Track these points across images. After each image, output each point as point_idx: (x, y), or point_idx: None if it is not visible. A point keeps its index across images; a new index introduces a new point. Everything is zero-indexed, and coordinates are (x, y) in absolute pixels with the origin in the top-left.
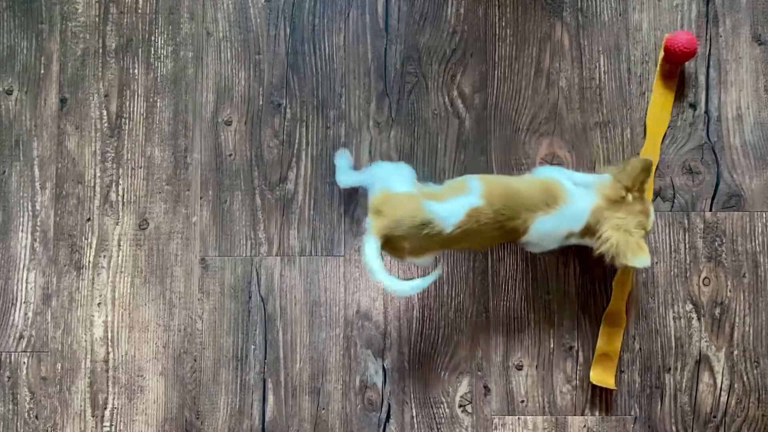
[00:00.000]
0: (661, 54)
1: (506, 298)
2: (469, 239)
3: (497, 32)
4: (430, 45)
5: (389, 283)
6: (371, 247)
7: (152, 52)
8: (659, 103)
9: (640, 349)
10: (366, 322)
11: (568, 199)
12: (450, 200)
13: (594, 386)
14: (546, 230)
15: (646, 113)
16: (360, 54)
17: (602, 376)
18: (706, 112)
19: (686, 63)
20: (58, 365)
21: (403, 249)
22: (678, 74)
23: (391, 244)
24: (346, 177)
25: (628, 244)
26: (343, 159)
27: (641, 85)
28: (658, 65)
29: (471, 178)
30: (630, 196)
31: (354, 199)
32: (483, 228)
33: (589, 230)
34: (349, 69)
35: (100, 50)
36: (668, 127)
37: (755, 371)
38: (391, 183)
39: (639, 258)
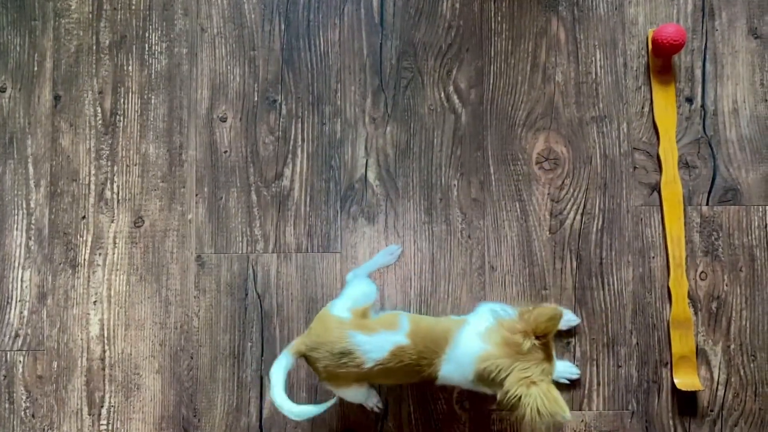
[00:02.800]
0: (650, 48)
1: (503, 294)
2: (386, 376)
3: (493, 27)
4: (426, 40)
5: (280, 403)
6: (280, 361)
7: (146, 48)
8: (661, 98)
9: (638, 343)
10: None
11: (453, 343)
12: (376, 335)
13: (590, 381)
14: (448, 374)
15: (651, 112)
16: (355, 49)
17: (687, 379)
18: (703, 106)
19: (681, 56)
20: (54, 364)
21: (319, 372)
22: (671, 67)
23: (310, 362)
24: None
25: (544, 398)
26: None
27: (637, 80)
28: (650, 62)
29: (402, 316)
30: (527, 343)
31: (350, 196)
32: (403, 366)
33: (481, 378)
34: (344, 65)
35: (94, 47)
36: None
37: (752, 365)
38: (337, 302)
39: (559, 413)
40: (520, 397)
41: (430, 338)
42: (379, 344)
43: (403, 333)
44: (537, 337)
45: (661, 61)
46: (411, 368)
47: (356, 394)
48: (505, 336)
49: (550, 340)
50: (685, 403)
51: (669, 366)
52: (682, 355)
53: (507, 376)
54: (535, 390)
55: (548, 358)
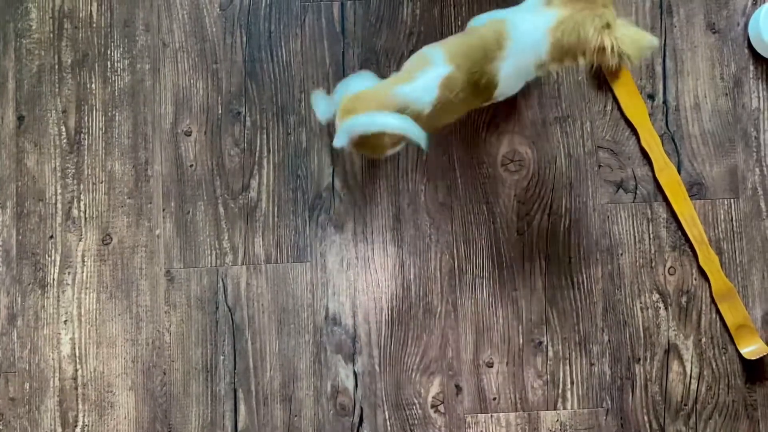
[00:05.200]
0: None
1: (474, 297)
2: (446, 113)
3: (453, 31)
4: (388, 47)
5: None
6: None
7: (109, 65)
8: (624, 94)
9: (609, 341)
10: (335, 327)
11: (510, 28)
12: (418, 78)
13: (563, 381)
14: (509, 73)
15: (615, 110)
16: (318, 59)
17: (753, 346)
18: (665, 102)
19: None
20: (26, 385)
21: (384, 144)
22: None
23: (370, 142)
24: (324, 110)
25: (626, 36)
26: (319, 98)
27: (598, 78)
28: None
29: (430, 50)
30: None
31: (318, 205)
32: (460, 96)
33: (559, 47)
34: (307, 74)
35: (56, 66)
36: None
37: (723, 357)
38: (354, 86)
39: (646, 42)
40: (605, 46)
41: (474, 48)
42: (425, 85)
43: (441, 63)
44: None
45: None
46: (467, 93)
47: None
48: None
49: None
50: (659, 398)
51: (640, 361)
52: (740, 325)
53: (588, 32)
54: (613, 33)
55: (609, 2)
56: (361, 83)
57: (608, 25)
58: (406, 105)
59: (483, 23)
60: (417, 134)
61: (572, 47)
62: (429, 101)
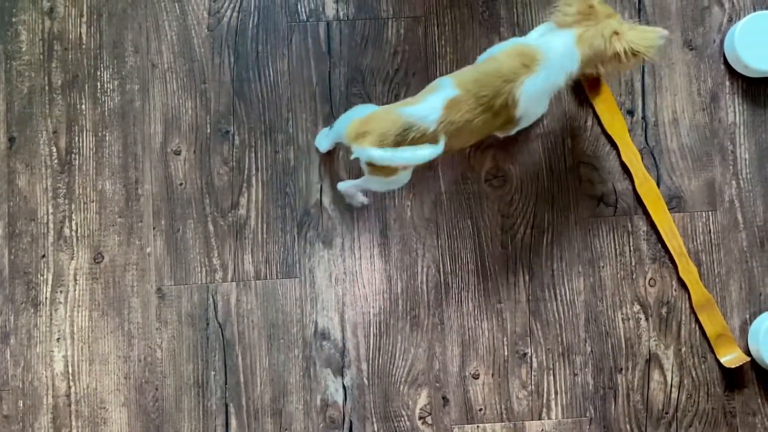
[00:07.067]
0: None
1: (459, 310)
2: (459, 134)
3: (437, 50)
4: (373, 66)
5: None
6: (374, 150)
7: (98, 86)
8: (605, 110)
9: (592, 351)
10: (324, 342)
11: (544, 49)
12: (424, 100)
13: (548, 391)
14: (536, 90)
15: (595, 126)
16: (305, 78)
17: (731, 355)
18: (644, 117)
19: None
20: (20, 403)
21: (396, 167)
22: (601, 80)
23: (384, 167)
24: (325, 144)
25: (636, 36)
26: (322, 135)
27: (579, 95)
28: (582, 81)
29: (441, 79)
30: (595, 2)
31: (306, 221)
32: (469, 117)
33: (588, 60)
34: (294, 93)
35: (47, 87)
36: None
37: (703, 366)
38: (360, 112)
39: (655, 36)
40: (620, 52)
41: (486, 75)
42: (430, 106)
43: (449, 87)
44: None
45: (591, 79)
46: (476, 114)
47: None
48: (576, 9)
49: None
50: (641, 406)
51: (622, 371)
52: (718, 334)
53: (597, 43)
54: (622, 38)
55: (609, 12)
56: (367, 109)
57: (616, 33)
58: (411, 124)
59: (504, 49)
60: (428, 157)
61: (596, 57)
62: (433, 120)
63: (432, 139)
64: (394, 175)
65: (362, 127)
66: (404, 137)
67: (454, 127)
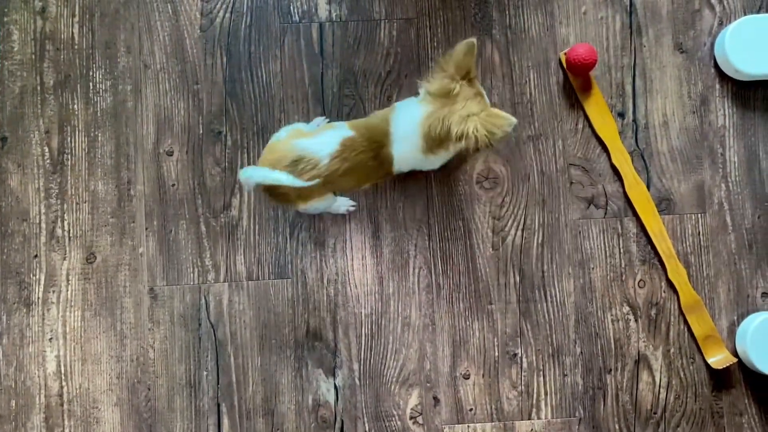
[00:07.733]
0: (565, 68)
1: (450, 311)
2: (348, 173)
3: (429, 52)
4: (366, 67)
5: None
6: (258, 170)
7: (91, 86)
8: (595, 113)
9: (582, 352)
10: (316, 342)
11: (394, 123)
12: (320, 135)
13: (538, 391)
14: (402, 155)
15: (586, 128)
16: (297, 79)
17: (719, 357)
18: (634, 120)
19: (612, 73)
20: (13, 402)
21: (288, 194)
22: (591, 84)
23: (278, 192)
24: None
25: (487, 121)
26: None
27: (570, 97)
28: (572, 82)
29: (336, 123)
30: (455, 86)
31: (298, 222)
32: (360, 158)
33: (430, 138)
34: (287, 94)
35: (39, 87)
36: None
37: (691, 367)
38: (276, 137)
39: (505, 123)
40: (467, 133)
41: (371, 128)
42: (325, 141)
43: (344, 128)
44: (462, 78)
45: (581, 80)
46: (368, 159)
47: (327, 202)
48: (435, 89)
49: (474, 77)
50: (630, 407)
51: (611, 371)
52: (706, 336)
53: (450, 123)
54: (475, 119)
55: (478, 92)
56: (280, 135)
57: (471, 114)
58: (303, 155)
59: (383, 111)
60: (285, 181)
61: (438, 137)
62: (327, 153)
63: (320, 174)
64: (288, 203)
65: (264, 153)
66: (294, 168)
67: (346, 165)
